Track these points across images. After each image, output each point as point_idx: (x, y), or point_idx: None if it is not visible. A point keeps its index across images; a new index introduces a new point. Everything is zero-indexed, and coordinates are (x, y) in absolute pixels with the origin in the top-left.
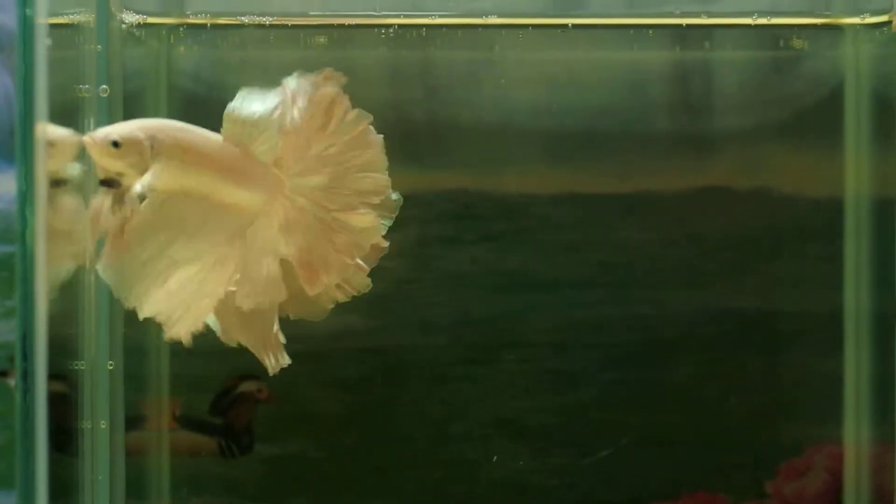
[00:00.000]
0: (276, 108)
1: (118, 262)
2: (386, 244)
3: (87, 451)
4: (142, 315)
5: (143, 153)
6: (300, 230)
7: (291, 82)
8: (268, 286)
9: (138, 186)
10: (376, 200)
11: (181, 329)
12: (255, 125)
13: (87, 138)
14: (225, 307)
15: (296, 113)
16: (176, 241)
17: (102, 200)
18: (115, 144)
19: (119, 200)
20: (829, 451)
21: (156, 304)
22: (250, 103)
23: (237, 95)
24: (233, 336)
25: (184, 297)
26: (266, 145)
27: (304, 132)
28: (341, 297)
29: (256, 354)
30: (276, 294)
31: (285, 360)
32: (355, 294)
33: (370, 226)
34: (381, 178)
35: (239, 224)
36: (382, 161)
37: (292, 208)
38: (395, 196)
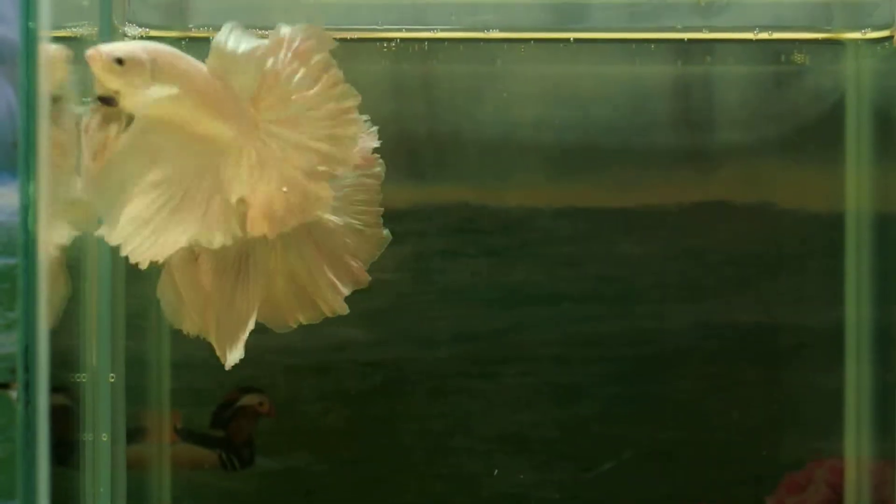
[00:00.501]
0: (259, 47)
1: (95, 183)
2: (367, 278)
3: (89, 463)
4: (109, 240)
5: (143, 74)
6: (265, 172)
7: (284, 29)
8: (230, 221)
9: (147, 97)
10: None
11: (142, 256)
12: (237, 60)
13: (91, 52)
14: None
15: (281, 58)
16: (151, 168)
17: (92, 117)
18: (119, 62)
19: (109, 119)
20: (829, 465)
21: (123, 230)
22: (238, 38)
23: (224, 28)
24: (187, 324)
25: (153, 226)
26: (245, 81)
27: (285, 80)
28: (308, 319)
29: (217, 344)
30: (236, 229)
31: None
32: (330, 314)
33: (324, 196)
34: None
35: (210, 156)
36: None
37: (262, 149)
38: (385, 232)
